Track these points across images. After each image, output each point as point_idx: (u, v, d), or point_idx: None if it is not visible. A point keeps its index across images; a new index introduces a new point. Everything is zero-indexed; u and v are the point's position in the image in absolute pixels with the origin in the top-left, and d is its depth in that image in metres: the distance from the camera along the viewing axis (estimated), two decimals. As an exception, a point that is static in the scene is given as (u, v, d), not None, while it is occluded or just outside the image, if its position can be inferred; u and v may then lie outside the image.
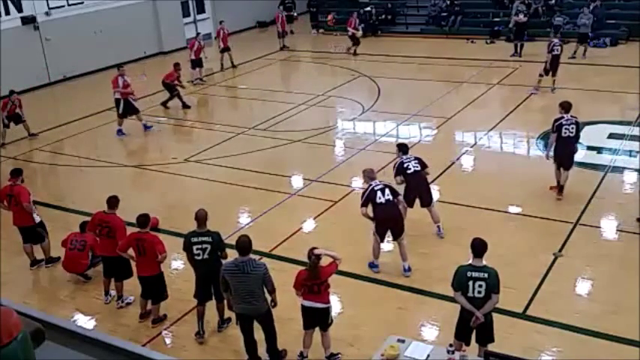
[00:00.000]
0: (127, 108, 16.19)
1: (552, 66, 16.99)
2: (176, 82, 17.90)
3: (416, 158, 10.19)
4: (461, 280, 6.77)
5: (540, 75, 17.14)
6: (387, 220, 9.20)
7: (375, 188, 9.13)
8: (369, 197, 9.12)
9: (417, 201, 10.17)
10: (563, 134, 10.88)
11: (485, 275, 6.69)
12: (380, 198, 9.08)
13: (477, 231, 9.54)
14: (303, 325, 7.53)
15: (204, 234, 8.03)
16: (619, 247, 10.05)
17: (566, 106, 11.06)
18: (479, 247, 6.84)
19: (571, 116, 10.96)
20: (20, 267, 10.33)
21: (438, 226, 10.28)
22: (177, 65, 17.89)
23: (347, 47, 23.82)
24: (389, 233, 9.40)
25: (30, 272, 10.29)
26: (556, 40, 17.14)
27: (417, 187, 10.07)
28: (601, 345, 7.71)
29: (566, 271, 9.23)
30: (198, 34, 21.90)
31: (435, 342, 7.45)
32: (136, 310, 8.89)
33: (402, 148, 10.35)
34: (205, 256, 7.99)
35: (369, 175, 9.41)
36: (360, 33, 24.07)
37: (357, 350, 7.79)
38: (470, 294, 6.73)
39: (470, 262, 6.85)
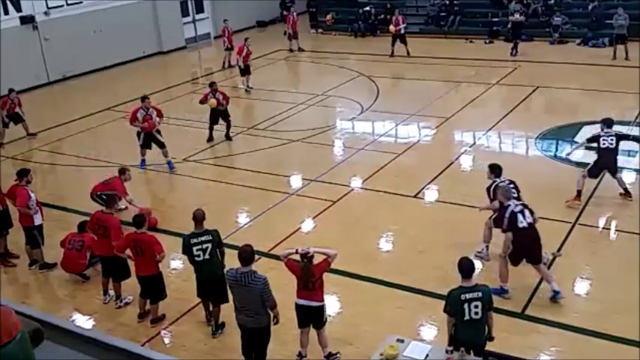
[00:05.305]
0: None
1: None
2: None
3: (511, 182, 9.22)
4: (455, 304, 6.43)
5: None
6: (529, 247, 8.37)
7: (515, 210, 8.28)
8: (511, 221, 8.25)
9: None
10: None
11: (480, 294, 6.41)
12: (522, 222, 8.24)
13: (477, 231, 9.60)
14: (297, 324, 7.51)
15: (203, 233, 7.98)
16: (618, 247, 10.06)
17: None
18: (467, 267, 6.52)
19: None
20: (20, 267, 10.34)
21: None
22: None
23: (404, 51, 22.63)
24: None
25: (29, 272, 10.27)
26: None
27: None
28: (601, 345, 7.71)
29: (565, 271, 9.21)
30: (246, 38, 20.43)
31: (434, 342, 7.44)
32: (135, 310, 8.87)
33: (496, 171, 9.39)
34: (206, 256, 7.92)
35: (504, 195, 8.55)
36: (393, 29, 22.38)
37: (356, 350, 7.78)
38: (467, 317, 6.40)
39: (460, 284, 6.57)
